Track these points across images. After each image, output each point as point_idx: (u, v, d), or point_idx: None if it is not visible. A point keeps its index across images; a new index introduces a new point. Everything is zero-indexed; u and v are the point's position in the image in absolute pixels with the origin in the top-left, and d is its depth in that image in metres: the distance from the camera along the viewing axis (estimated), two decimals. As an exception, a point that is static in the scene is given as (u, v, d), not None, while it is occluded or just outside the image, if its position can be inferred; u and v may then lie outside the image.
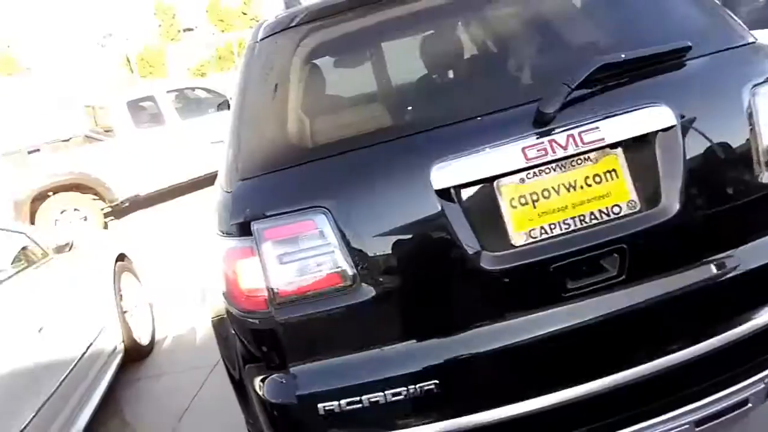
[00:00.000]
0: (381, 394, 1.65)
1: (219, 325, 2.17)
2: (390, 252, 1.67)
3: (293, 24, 2.04)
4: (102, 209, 8.54)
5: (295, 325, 1.72)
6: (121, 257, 4.44)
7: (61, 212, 8.22)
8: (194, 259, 4.69)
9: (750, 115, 1.75)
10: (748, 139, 1.74)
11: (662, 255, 1.72)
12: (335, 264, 1.68)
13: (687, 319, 1.77)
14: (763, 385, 1.87)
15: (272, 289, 1.71)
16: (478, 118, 1.73)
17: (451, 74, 2.35)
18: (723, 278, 1.75)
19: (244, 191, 1.79)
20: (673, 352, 1.73)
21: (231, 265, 1.83)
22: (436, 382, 1.65)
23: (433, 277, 1.71)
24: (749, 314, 1.79)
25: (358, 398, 1.66)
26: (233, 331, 2.00)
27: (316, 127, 1.96)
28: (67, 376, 3.08)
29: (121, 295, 4.20)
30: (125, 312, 4.19)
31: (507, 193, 1.67)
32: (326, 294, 1.68)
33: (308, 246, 1.68)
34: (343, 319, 1.70)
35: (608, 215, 1.68)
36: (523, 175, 1.67)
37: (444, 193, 1.64)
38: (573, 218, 1.68)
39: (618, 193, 1.69)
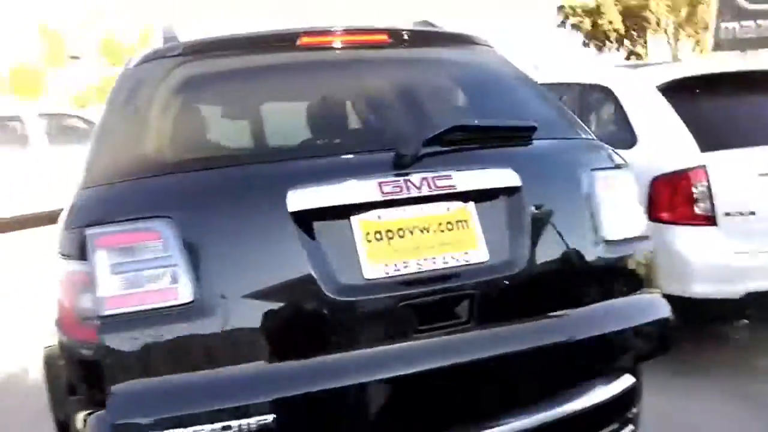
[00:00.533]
0: (209, 426, 1.52)
1: (49, 360, 1.98)
2: (238, 272, 1.64)
3: (166, 55, 2.11)
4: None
5: (123, 344, 1.59)
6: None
7: None
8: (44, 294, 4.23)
9: (588, 194, 2.02)
10: (585, 213, 2.01)
11: (506, 305, 1.88)
12: (174, 279, 1.59)
13: (528, 375, 1.91)
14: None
15: (100, 299, 1.58)
16: (341, 156, 1.88)
17: (321, 116, 2.45)
18: (558, 337, 1.91)
19: (83, 198, 1.72)
20: (514, 408, 1.87)
21: (66, 287, 1.70)
22: (273, 416, 1.56)
23: (282, 302, 1.69)
24: (582, 386, 2.00)
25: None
26: (62, 364, 1.83)
27: (173, 146, 1.94)
28: None
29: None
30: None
31: (363, 227, 1.74)
32: (161, 311, 1.58)
33: (147, 257, 1.60)
34: (177, 341, 1.60)
35: (458, 261, 1.81)
36: (380, 211, 1.76)
37: (300, 220, 1.67)
38: (426, 259, 1.78)
39: (468, 242, 1.84)
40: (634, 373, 2.21)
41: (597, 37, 31.68)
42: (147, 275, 1.60)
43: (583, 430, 2.09)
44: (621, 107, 3.85)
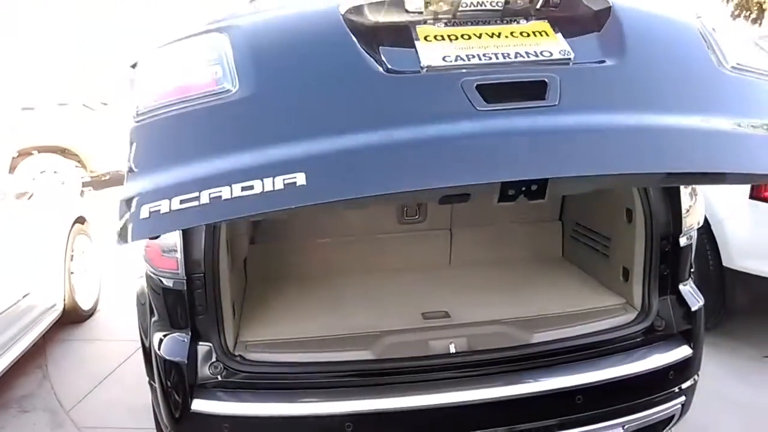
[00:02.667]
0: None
1: (140, 293, 2.30)
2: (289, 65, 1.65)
3: None
4: (82, 177, 8.62)
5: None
6: (81, 220, 4.53)
7: (41, 172, 8.29)
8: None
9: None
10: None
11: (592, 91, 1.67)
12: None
13: None
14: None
15: None
16: None
17: None
18: None
19: None
20: None
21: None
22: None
23: (330, 83, 1.61)
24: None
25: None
26: (147, 293, 2.14)
27: None
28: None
29: (72, 256, 4.28)
30: (72, 273, 4.26)
31: (423, 32, 1.71)
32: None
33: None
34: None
35: (537, 56, 1.67)
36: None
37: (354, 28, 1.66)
38: (495, 53, 1.66)
39: (549, 41, 1.72)
40: (691, 344, 2.19)
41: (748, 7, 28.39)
42: None
43: (630, 396, 2.11)
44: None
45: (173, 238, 1.97)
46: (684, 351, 2.18)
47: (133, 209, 1.32)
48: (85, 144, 8.51)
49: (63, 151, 8.46)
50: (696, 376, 2.24)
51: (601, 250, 2.63)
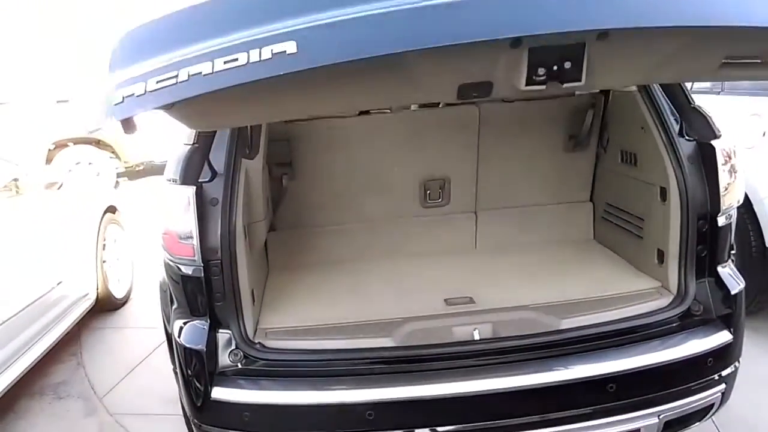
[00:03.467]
0: None
1: (162, 281, 2.30)
2: None
3: None
4: (116, 168, 8.77)
5: None
6: (112, 209, 4.57)
7: (76, 163, 8.46)
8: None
9: None
10: None
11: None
12: None
13: None
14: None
15: None
16: None
17: None
18: None
19: None
20: None
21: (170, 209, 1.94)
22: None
23: None
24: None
25: None
26: (166, 281, 2.13)
27: None
28: (20, 312, 3.17)
29: (104, 245, 4.33)
30: (104, 262, 4.31)
31: None
32: None
33: None
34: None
35: None
36: None
37: None
38: None
39: None
40: (731, 329, 2.07)
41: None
42: None
43: (666, 384, 2.01)
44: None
45: (189, 225, 1.94)
46: (724, 336, 2.06)
47: (107, 96, 1.27)
48: (119, 135, 8.62)
49: (97, 143, 8.61)
50: (737, 363, 2.12)
51: (635, 231, 2.51)
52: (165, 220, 2.01)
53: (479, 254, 2.81)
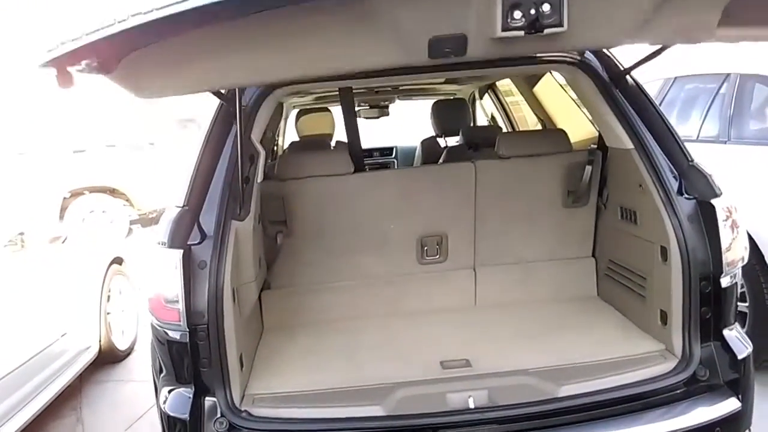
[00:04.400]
0: None
1: (151, 347, 2.26)
2: None
3: None
4: (129, 215, 8.86)
5: None
6: (118, 260, 4.58)
7: (90, 212, 8.57)
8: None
9: None
10: None
11: None
12: None
13: None
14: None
15: None
16: None
17: None
18: None
19: None
20: None
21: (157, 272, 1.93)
22: None
23: None
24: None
25: None
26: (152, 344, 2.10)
27: None
28: (21, 365, 3.15)
29: (108, 297, 4.32)
30: (108, 314, 4.30)
31: None
32: None
33: None
34: None
35: None
36: None
37: None
38: None
39: None
40: (740, 396, 1.98)
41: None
42: None
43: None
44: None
45: (175, 289, 1.92)
46: (732, 404, 1.97)
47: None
48: (133, 183, 8.77)
49: (112, 191, 8.74)
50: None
51: (637, 290, 2.44)
52: (152, 283, 1.99)
53: (478, 312, 2.75)
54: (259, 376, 2.22)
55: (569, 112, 3.39)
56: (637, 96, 2.34)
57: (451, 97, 5.16)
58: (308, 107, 4.72)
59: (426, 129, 4.48)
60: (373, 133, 6.19)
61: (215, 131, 2.21)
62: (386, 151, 5.99)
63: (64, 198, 8.47)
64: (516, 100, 4.74)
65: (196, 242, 2.01)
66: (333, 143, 4.25)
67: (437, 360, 2.24)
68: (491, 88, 4.75)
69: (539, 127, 3.97)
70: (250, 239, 2.19)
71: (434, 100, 4.34)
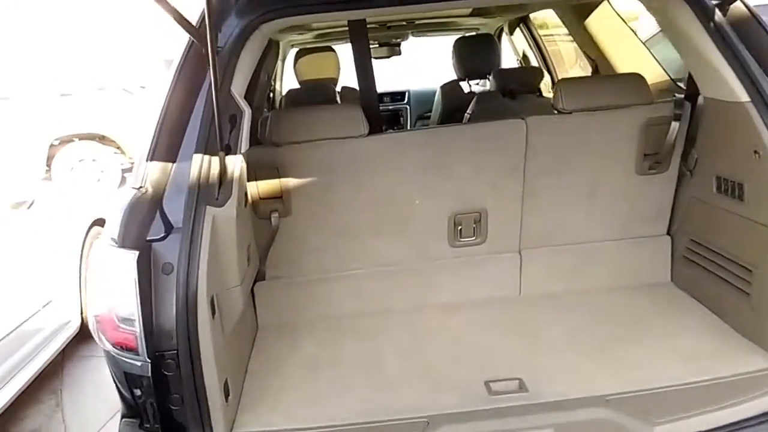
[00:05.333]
0: None
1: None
2: None
3: None
4: (122, 164, 8.32)
5: None
6: (100, 222, 4.07)
7: (80, 161, 8.05)
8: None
9: None
10: None
11: None
12: None
13: None
14: None
15: None
16: None
17: None
18: None
19: None
20: None
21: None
22: None
23: None
24: None
25: None
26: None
27: None
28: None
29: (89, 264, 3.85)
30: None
31: None
32: None
33: None
34: None
35: None
36: None
37: None
38: None
39: None
40: None
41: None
42: None
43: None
44: None
45: (130, 305, 1.39)
46: None
47: None
48: (124, 130, 8.18)
49: (101, 138, 8.15)
50: None
51: (739, 285, 1.89)
52: (100, 295, 1.46)
53: (525, 307, 2.21)
54: (251, 406, 1.71)
55: (633, 52, 2.73)
56: (756, 31, 1.74)
57: (476, 33, 4.47)
58: (309, 46, 4.07)
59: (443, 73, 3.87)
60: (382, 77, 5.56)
61: (182, 82, 1.64)
62: (397, 96, 5.30)
63: (51, 146, 7.91)
64: (551, 36, 4.07)
65: (158, 238, 1.48)
66: (338, 88, 3.64)
67: (481, 379, 1.73)
68: (524, 21, 4.05)
69: (585, 71, 3.32)
70: (234, 229, 1.63)
71: (455, 37, 3.70)
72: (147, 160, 1.56)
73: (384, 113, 5.11)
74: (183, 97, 1.63)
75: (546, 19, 3.94)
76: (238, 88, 1.71)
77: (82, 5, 10.37)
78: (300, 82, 3.70)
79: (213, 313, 1.55)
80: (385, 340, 2.03)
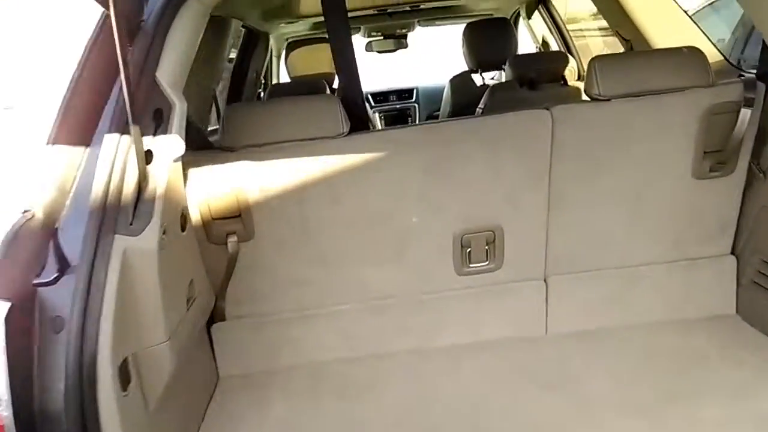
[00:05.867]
0: None
1: None
2: None
3: None
4: None
5: None
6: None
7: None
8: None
9: None
10: None
11: None
12: None
13: None
14: None
15: None
16: None
17: None
18: None
19: None
20: None
21: None
22: None
23: None
24: None
25: None
26: None
27: None
28: None
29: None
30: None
31: None
32: None
33: None
34: None
35: None
36: None
37: None
38: None
39: None
40: None
41: None
42: None
43: None
44: None
45: (-5, 382, 0.99)
46: None
47: None
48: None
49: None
50: None
51: None
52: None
53: (553, 351, 1.75)
54: None
55: (678, 28, 2.26)
56: None
57: (489, 18, 4.02)
58: (303, 38, 3.66)
59: (454, 69, 3.44)
60: (390, 74, 5.15)
61: (91, 68, 1.23)
62: (405, 94, 4.86)
63: None
64: (575, 19, 3.61)
65: (47, 281, 1.07)
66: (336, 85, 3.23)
67: None
68: (543, 2, 3.58)
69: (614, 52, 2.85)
70: (155, 265, 1.21)
71: (466, 23, 3.26)
72: (40, 173, 1.16)
73: (390, 113, 4.70)
74: (91, 87, 1.22)
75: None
76: (168, 74, 1.29)
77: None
78: (291, 78, 3.30)
79: (126, 383, 1.14)
80: (377, 397, 1.60)
